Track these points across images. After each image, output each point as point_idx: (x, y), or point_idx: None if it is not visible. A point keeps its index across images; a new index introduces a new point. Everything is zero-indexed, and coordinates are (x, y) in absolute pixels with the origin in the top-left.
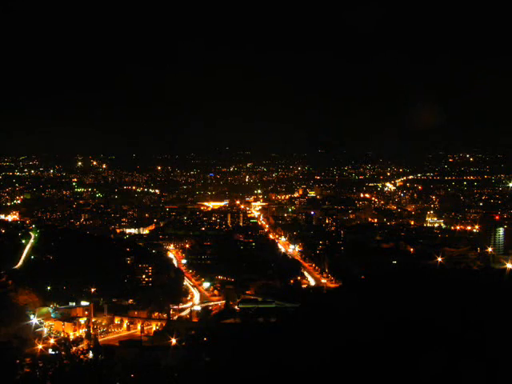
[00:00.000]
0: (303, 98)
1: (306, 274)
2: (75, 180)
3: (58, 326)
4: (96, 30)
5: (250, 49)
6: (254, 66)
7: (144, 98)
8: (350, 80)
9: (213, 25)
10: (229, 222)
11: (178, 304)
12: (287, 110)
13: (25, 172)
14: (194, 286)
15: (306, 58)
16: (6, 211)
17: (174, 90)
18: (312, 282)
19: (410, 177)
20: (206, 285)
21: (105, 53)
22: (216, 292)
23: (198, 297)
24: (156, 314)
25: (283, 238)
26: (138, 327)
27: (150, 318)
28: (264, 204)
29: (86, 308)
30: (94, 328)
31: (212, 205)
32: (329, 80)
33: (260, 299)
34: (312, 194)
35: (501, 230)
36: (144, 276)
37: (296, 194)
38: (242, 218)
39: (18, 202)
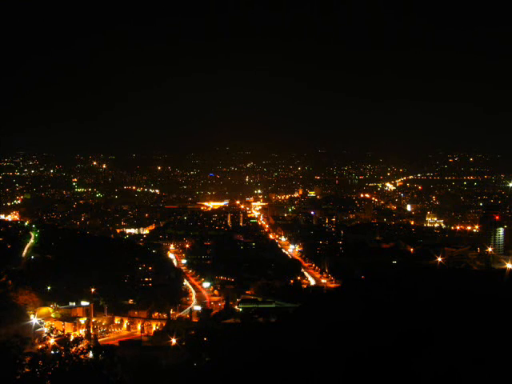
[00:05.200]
0: (304, 98)
1: (306, 274)
2: (75, 180)
3: (58, 325)
4: (97, 32)
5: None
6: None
7: (144, 98)
8: (350, 79)
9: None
10: (229, 222)
11: (177, 304)
12: (288, 109)
13: (25, 172)
14: (194, 286)
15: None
16: (6, 211)
17: (174, 90)
18: (312, 282)
19: (410, 177)
20: (206, 285)
21: (104, 52)
22: (216, 292)
23: (197, 297)
24: (156, 314)
25: (283, 238)
26: (138, 327)
27: (150, 318)
28: (264, 204)
29: (86, 308)
30: (94, 328)
31: (212, 205)
32: (329, 80)
33: (260, 299)
34: (312, 194)
35: (501, 230)
36: (144, 276)
37: (296, 194)
38: (241, 218)
39: (18, 202)
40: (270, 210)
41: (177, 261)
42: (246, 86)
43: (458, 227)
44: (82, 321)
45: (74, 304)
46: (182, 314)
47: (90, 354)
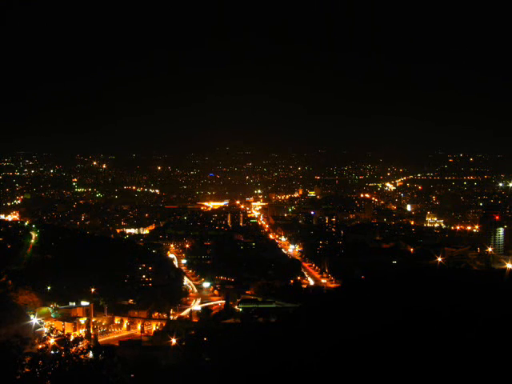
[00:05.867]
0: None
1: (305, 274)
2: (75, 180)
3: (58, 325)
4: (97, 35)
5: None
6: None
7: (144, 98)
8: (351, 79)
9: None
10: (229, 222)
11: (177, 304)
12: (288, 109)
13: (25, 172)
14: (193, 286)
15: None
16: (6, 211)
17: (175, 90)
18: (312, 282)
19: (410, 177)
20: (206, 285)
21: (104, 52)
22: (216, 292)
23: (197, 297)
24: (156, 314)
25: (283, 238)
26: (138, 327)
27: (150, 318)
28: (264, 204)
29: (86, 308)
30: (94, 328)
31: (212, 205)
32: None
33: (260, 299)
34: (312, 194)
35: (501, 230)
36: (144, 276)
37: (296, 194)
38: (242, 218)
39: (18, 202)
40: (270, 210)
41: (177, 261)
42: (246, 91)
43: (458, 227)
44: (82, 321)
45: (74, 304)
46: (182, 314)
47: (90, 354)
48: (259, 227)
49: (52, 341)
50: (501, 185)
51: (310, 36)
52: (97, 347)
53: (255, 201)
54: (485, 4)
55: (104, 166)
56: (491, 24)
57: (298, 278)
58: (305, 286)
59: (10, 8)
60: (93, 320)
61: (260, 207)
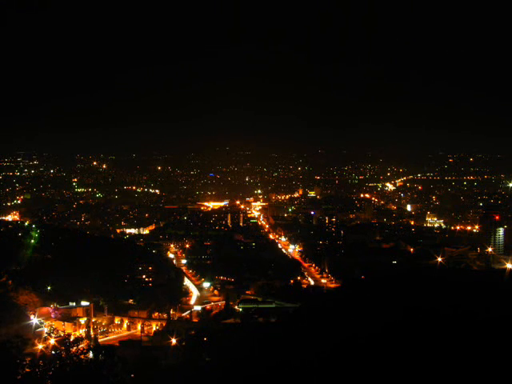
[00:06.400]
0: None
1: (306, 274)
2: (75, 180)
3: (58, 325)
4: (94, 35)
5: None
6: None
7: (144, 98)
8: (351, 79)
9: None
10: (229, 222)
11: (177, 304)
12: (288, 109)
13: (25, 172)
14: (194, 286)
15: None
16: (6, 211)
17: (175, 90)
18: (312, 282)
19: (410, 177)
20: (206, 285)
21: (104, 54)
22: (216, 292)
23: (197, 297)
24: (156, 314)
25: (283, 238)
26: (138, 327)
27: (150, 318)
28: (264, 204)
29: (86, 308)
30: (94, 328)
31: (212, 205)
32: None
33: (260, 299)
34: (312, 194)
35: (501, 230)
36: (144, 276)
37: (296, 194)
38: (242, 218)
39: (18, 202)
40: (269, 210)
41: (177, 261)
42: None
43: (458, 227)
44: (82, 321)
45: (74, 304)
46: (182, 314)
47: (90, 354)
48: (259, 227)
49: (52, 341)
50: (501, 185)
51: (308, 44)
52: (97, 347)
53: (255, 201)
54: (480, 12)
55: (104, 166)
56: (487, 30)
57: (298, 278)
58: (305, 286)
59: (12, 10)
60: (93, 320)
61: (260, 207)
